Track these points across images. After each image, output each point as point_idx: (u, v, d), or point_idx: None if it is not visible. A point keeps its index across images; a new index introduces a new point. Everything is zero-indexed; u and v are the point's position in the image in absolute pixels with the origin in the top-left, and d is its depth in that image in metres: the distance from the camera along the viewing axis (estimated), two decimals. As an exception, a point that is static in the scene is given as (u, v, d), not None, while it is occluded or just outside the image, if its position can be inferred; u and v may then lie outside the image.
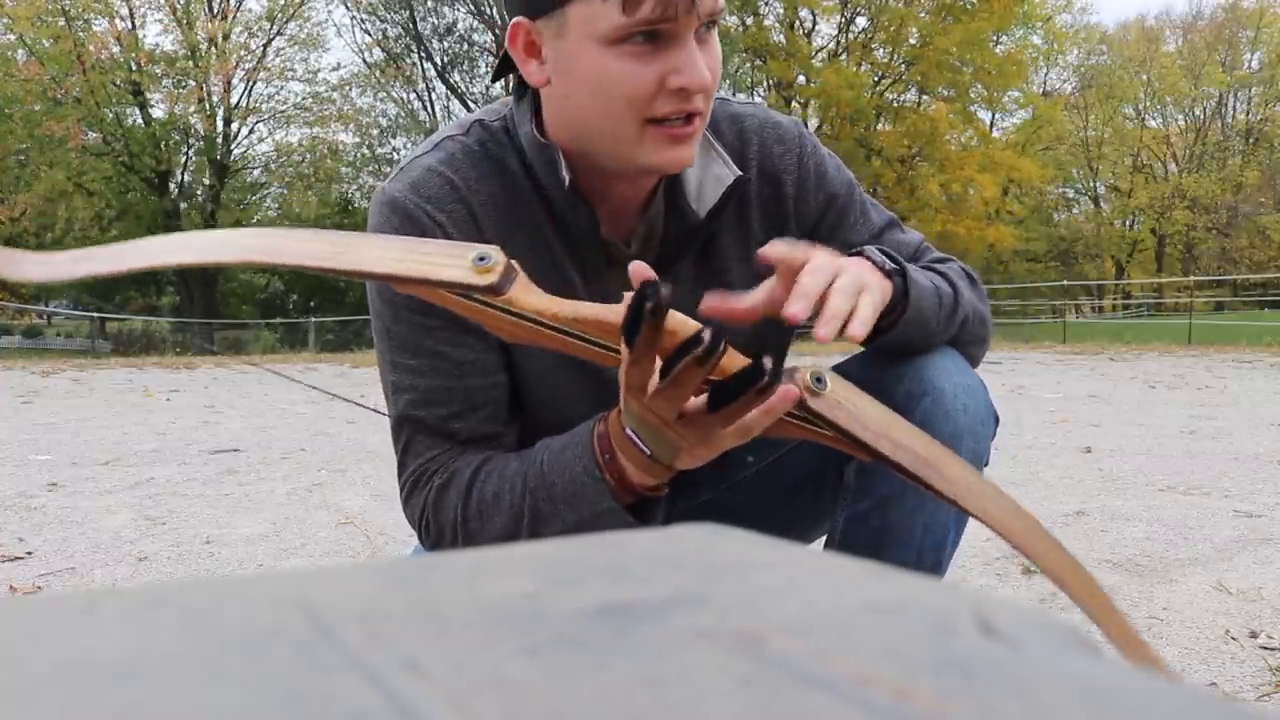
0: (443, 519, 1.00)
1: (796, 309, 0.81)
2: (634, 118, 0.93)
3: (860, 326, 0.84)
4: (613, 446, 0.90)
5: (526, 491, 0.96)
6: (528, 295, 0.78)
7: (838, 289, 0.84)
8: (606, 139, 0.96)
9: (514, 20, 0.96)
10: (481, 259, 0.76)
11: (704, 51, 0.92)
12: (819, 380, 0.80)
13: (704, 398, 0.78)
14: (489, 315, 0.79)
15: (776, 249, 0.87)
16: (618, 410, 0.87)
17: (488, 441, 1.03)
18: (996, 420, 1.06)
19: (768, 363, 0.74)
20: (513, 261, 0.77)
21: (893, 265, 0.96)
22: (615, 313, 0.76)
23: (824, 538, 1.13)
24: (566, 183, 0.98)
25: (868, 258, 0.96)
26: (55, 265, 0.81)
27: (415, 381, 1.01)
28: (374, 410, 1.56)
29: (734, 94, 1.17)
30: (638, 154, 0.95)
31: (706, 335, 0.72)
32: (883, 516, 1.03)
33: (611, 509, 0.93)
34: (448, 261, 0.76)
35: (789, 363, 0.79)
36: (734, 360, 0.78)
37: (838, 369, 1.11)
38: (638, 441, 0.86)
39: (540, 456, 0.97)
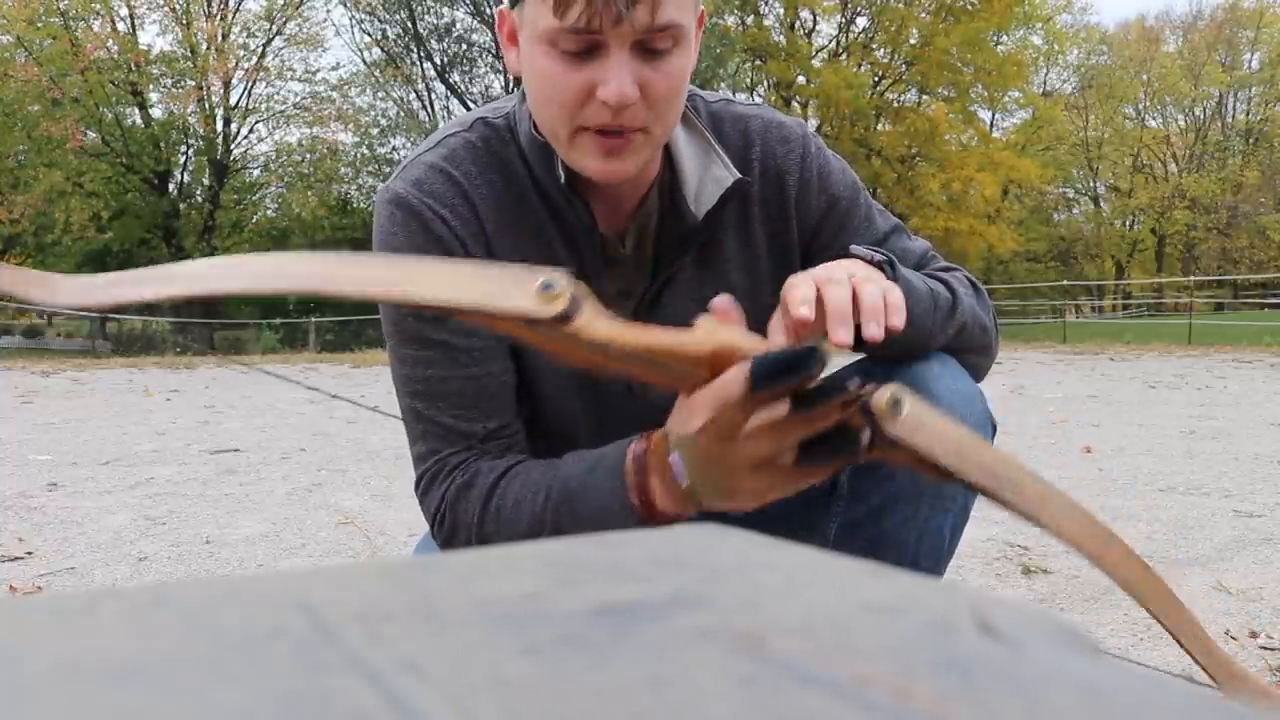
0: (460, 518, 0.99)
1: (841, 333, 0.80)
2: (564, 122, 0.93)
3: (898, 317, 0.83)
4: (648, 470, 0.85)
5: (549, 506, 0.93)
6: (596, 322, 0.70)
7: (865, 290, 0.83)
8: (551, 138, 0.97)
9: (499, 7, 0.99)
10: (547, 286, 0.68)
11: (651, 69, 0.90)
12: (896, 404, 0.71)
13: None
14: (554, 344, 0.72)
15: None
16: (663, 433, 0.82)
17: (500, 432, 1.03)
18: (994, 428, 1.05)
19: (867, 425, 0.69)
20: (580, 284, 0.69)
21: (880, 257, 0.95)
22: (693, 341, 0.72)
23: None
24: (563, 179, 0.99)
25: (855, 256, 0.95)
26: (92, 289, 0.76)
27: (426, 372, 1.01)
28: (372, 409, 1.55)
29: (733, 94, 1.16)
30: (573, 158, 0.95)
31: (854, 386, 0.68)
32: (877, 525, 1.02)
33: None
34: (512, 289, 0.68)
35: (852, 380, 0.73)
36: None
37: (837, 375, 1.10)
38: (679, 473, 0.81)
39: (566, 471, 0.93)
